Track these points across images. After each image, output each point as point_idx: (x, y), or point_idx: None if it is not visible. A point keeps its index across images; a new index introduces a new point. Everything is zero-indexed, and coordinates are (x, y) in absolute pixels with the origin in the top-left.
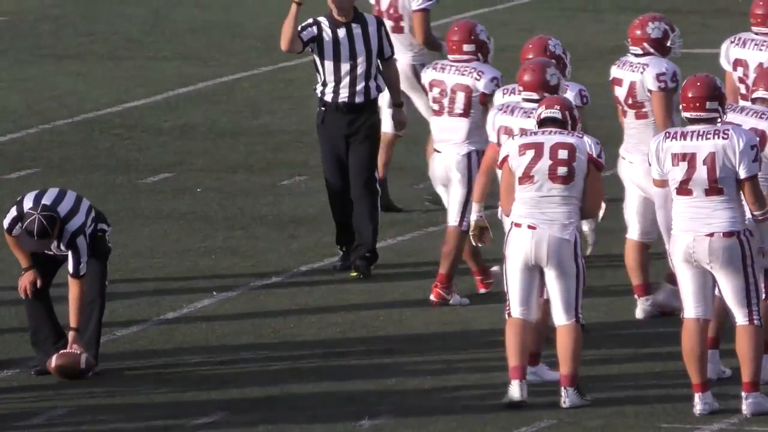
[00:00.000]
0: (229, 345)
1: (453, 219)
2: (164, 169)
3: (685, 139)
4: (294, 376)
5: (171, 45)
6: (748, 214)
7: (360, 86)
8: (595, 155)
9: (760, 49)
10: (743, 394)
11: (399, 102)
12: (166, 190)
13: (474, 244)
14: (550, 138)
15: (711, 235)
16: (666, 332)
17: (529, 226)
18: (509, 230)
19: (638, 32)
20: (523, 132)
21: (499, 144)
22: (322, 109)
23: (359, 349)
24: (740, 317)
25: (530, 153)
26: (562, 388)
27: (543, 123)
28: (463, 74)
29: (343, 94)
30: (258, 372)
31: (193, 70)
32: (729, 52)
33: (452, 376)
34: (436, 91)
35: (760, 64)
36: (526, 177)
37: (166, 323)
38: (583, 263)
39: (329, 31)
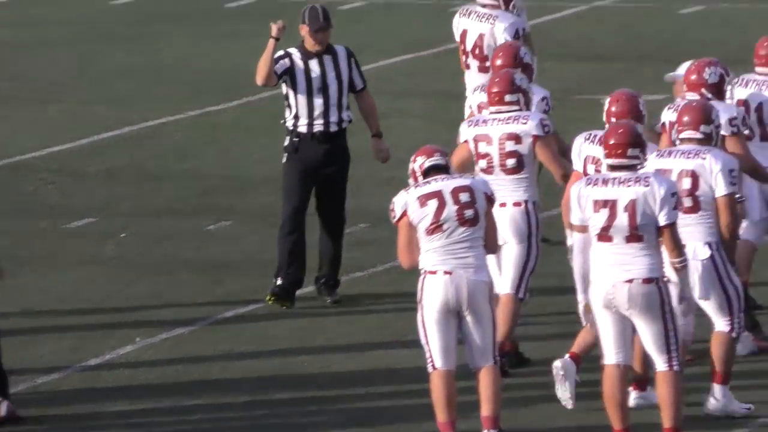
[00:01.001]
0: (152, 391)
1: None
2: (89, 213)
3: (606, 185)
4: (217, 424)
5: (97, 89)
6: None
7: (333, 116)
8: (489, 194)
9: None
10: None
11: (378, 132)
12: (91, 234)
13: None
14: (447, 184)
15: (630, 281)
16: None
17: (446, 272)
18: (423, 279)
19: (694, 77)
20: (416, 184)
21: (585, 173)
22: (295, 140)
23: (285, 396)
24: (660, 363)
25: (433, 203)
26: (485, 431)
27: (428, 172)
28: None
29: (318, 124)
30: (181, 420)
31: (119, 114)
32: (733, 92)
33: (378, 426)
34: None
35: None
36: (436, 227)
37: (89, 370)
38: (493, 306)
39: (301, 63)
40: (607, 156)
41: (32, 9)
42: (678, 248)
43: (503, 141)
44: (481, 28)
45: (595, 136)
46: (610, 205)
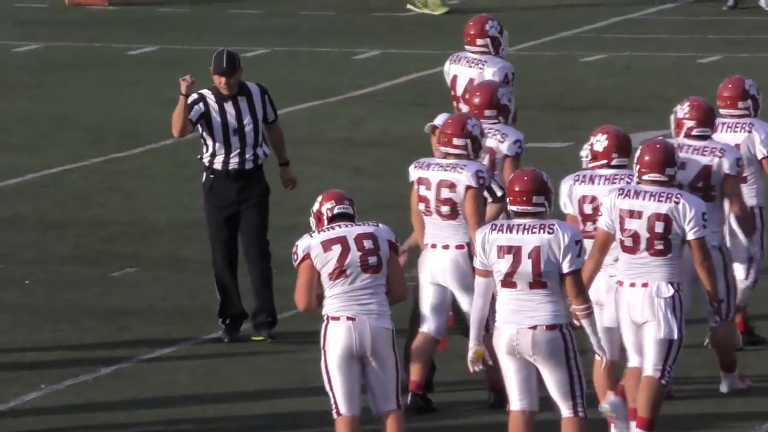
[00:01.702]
0: None
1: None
2: None
3: (511, 232)
4: None
5: None
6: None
7: (249, 154)
8: (393, 241)
9: (735, 131)
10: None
11: (286, 161)
12: None
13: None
14: (351, 230)
15: (534, 327)
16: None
17: (348, 318)
18: (325, 324)
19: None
20: (320, 229)
21: (581, 214)
22: (211, 176)
23: None
24: (565, 410)
25: (337, 248)
26: None
27: (334, 218)
28: (487, 135)
29: (234, 162)
30: None
31: (21, 161)
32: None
33: None
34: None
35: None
36: (339, 272)
37: None
38: (397, 352)
39: (216, 106)
40: (512, 203)
41: None
42: (582, 295)
43: (440, 187)
44: (470, 73)
45: (584, 176)
46: (515, 251)
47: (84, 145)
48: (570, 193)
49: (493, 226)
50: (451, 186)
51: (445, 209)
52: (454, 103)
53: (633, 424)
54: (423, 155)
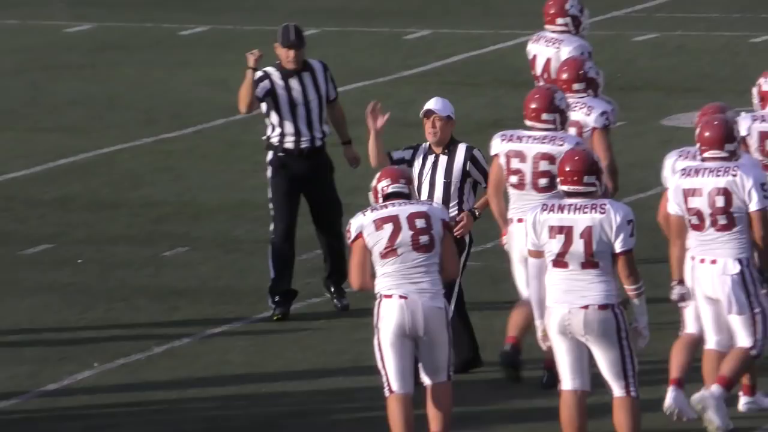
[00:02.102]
0: (109, 418)
1: None
2: (44, 240)
3: (562, 212)
4: None
5: (50, 116)
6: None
7: (317, 131)
8: (447, 220)
9: None
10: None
11: (348, 139)
12: (46, 261)
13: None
14: (404, 209)
15: (586, 307)
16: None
17: (401, 296)
18: (378, 303)
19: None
20: (374, 207)
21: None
22: (280, 155)
23: (242, 423)
24: (617, 389)
25: (388, 227)
26: None
27: (389, 197)
28: (573, 109)
29: (305, 141)
30: None
31: (73, 141)
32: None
33: None
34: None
35: None
36: (390, 251)
37: (47, 395)
38: (450, 330)
39: (281, 83)
40: (563, 183)
41: None
42: (633, 275)
43: (537, 160)
44: (547, 52)
45: (688, 152)
46: (566, 231)
47: (135, 126)
48: (673, 168)
49: (544, 206)
50: (551, 159)
51: (543, 182)
52: (535, 83)
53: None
54: (473, 135)
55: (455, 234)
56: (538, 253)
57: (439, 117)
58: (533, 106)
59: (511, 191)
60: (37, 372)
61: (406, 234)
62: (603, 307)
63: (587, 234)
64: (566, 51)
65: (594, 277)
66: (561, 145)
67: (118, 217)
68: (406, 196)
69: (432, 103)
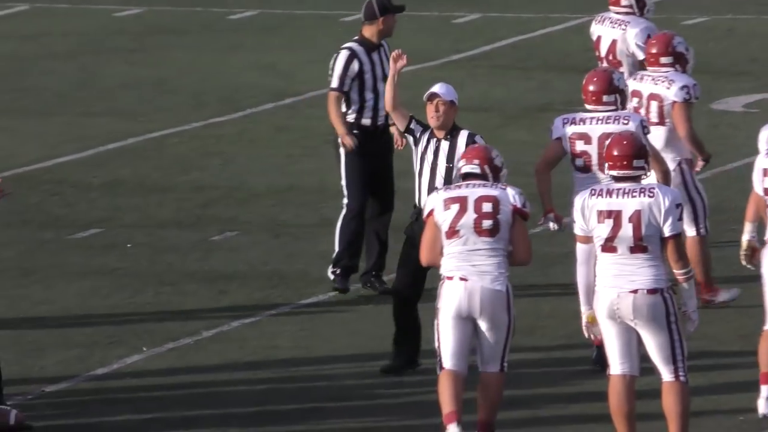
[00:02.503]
0: (158, 401)
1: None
2: (93, 224)
3: (610, 196)
4: None
5: (101, 101)
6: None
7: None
8: (519, 206)
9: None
10: None
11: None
12: (96, 245)
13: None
14: (474, 191)
15: (635, 291)
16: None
17: (461, 278)
18: (441, 284)
19: None
20: (449, 186)
21: None
22: (356, 132)
23: (290, 406)
24: (666, 374)
25: (455, 207)
26: None
27: (465, 177)
28: (656, 83)
29: (381, 116)
30: (186, 429)
31: (123, 125)
32: None
33: None
34: (634, 101)
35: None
36: (452, 232)
37: (96, 379)
38: (514, 314)
39: (366, 59)
40: (611, 168)
41: (36, 22)
42: (682, 259)
43: (603, 141)
44: (613, 34)
45: None
46: (615, 215)
47: (184, 110)
48: None
49: (593, 191)
50: None
51: None
52: (599, 65)
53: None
54: (522, 119)
55: None
56: (586, 239)
57: (442, 101)
58: (592, 89)
59: (577, 175)
60: (87, 356)
61: (469, 216)
62: (652, 291)
63: (636, 218)
64: (633, 33)
65: (643, 261)
66: (626, 123)
67: (167, 202)
68: (481, 177)
69: (436, 87)
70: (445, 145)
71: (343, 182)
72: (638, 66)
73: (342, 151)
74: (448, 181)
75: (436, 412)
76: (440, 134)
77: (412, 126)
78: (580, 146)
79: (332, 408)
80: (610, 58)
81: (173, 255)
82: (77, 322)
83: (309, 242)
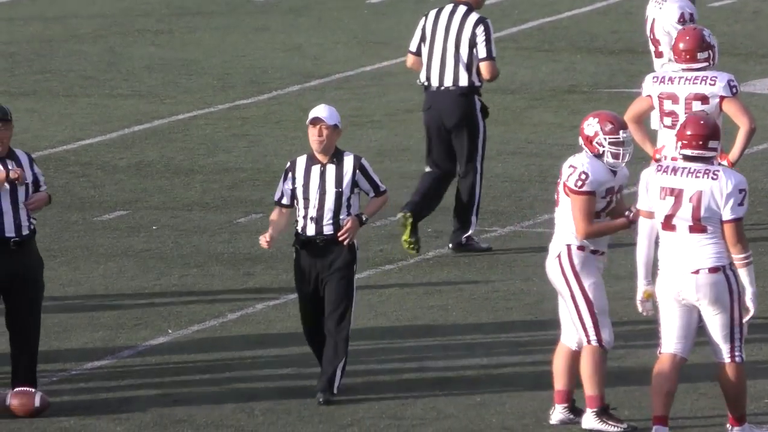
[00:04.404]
0: (183, 383)
1: None
2: (120, 206)
3: (675, 174)
4: (248, 415)
5: (127, 82)
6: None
7: (463, 73)
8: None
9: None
10: (728, 426)
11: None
12: (122, 227)
13: None
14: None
15: (696, 272)
16: None
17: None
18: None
19: None
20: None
21: None
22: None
23: (314, 388)
24: (724, 354)
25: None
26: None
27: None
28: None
29: (448, 79)
30: (213, 411)
31: (149, 107)
32: None
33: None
34: (667, 104)
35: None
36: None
37: (121, 361)
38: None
39: (430, 25)
40: (684, 147)
41: (62, 3)
42: (741, 243)
43: (690, 101)
44: (654, 14)
45: None
46: (676, 193)
47: (211, 92)
48: None
49: (659, 167)
50: (704, 99)
51: None
52: (650, 45)
53: None
54: (549, 101)
55: (339, 239)
56: (649, 214)
57: (326, 125)
58: (685, 47)
59: (666, 132)
60: (112, 338)
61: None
62: (714, 269)
63: (696, 198)
64: (668, 10)
65: (702, 240)
66: (713, 84)
67: (193, 184)
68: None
69: (319, 111)
70: (331, 168)
71: (480, 146)
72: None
73: (481, 115)
74: (338, 205)
75: (463, 389)
76: (324, 158)
77: (285, 202)
78: (668, 106)
79: (356, 389)
80: (652, 37)
81: (199, 237)
82: (103, 304)
83: None
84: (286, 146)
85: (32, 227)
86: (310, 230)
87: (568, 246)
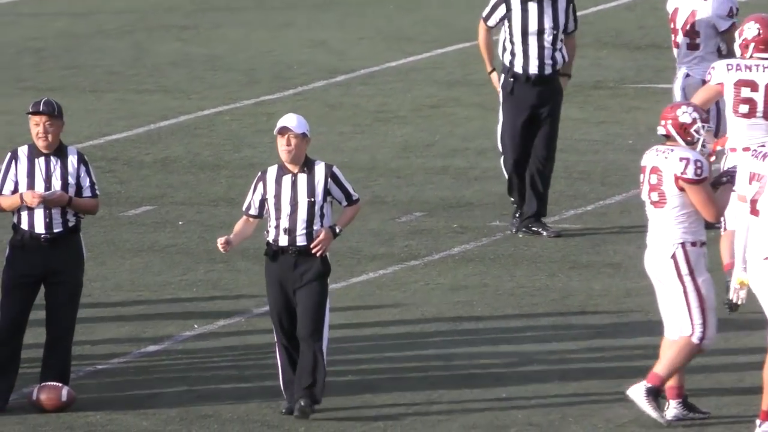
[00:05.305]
0: (209, 378)
1: None
2: (145, 202)
3: (764, 159)
4: (273, 410)
5: (153, 78)
6: None
7: (548, 58)
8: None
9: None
10: (758, 422)
11: (569, 73)
12: (148, 223)
13: None
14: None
15: None
16: None
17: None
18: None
19: None
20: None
21: None
22: (511, 80)
23: (338, 385)
24: None
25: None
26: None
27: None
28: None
29: (534, 66)
30: (237, 406)
31: (175, 103)
32: None
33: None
34: (745, 91)
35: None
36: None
37: (147, 356)
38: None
39: (519, 6)
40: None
41: None
42: None
43: None
44: (693, 4)
45: None
46: (762, 179)
47: (236, 87)
48: None
49: (754, 153)
50: None
51: None
52: (672, 36)
53: None
54: (574, 96)
55: (313, 251)
56: (743, 198)
57: (294, 134)
58: (760, 37)
59: (738, 121)
60: (138, 333)
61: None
62: None
63: None
64: (715, 4)
65: None
66: None
67: (218, 179)
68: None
69: (287, 120)
70: (302, 177)
71: (498, 134)
72: (717, 37)
73: (500, 98)
74: (311, 215)
75: (488, 384)
76: (294, 168)
77: (253, 213)
78: (745, 93)
79: (380, 386)
80: (687, 29)
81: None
82: (129, 299)
83: (360, 220)
84: (312, 141)
85: (71, 225)
86: (283, 241)
87: (683, 244)
